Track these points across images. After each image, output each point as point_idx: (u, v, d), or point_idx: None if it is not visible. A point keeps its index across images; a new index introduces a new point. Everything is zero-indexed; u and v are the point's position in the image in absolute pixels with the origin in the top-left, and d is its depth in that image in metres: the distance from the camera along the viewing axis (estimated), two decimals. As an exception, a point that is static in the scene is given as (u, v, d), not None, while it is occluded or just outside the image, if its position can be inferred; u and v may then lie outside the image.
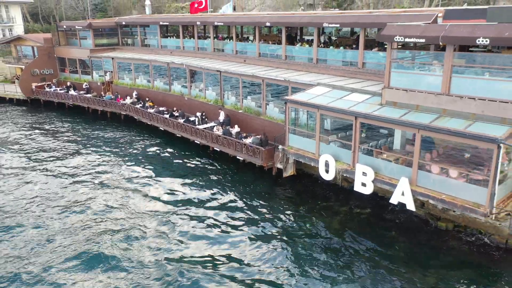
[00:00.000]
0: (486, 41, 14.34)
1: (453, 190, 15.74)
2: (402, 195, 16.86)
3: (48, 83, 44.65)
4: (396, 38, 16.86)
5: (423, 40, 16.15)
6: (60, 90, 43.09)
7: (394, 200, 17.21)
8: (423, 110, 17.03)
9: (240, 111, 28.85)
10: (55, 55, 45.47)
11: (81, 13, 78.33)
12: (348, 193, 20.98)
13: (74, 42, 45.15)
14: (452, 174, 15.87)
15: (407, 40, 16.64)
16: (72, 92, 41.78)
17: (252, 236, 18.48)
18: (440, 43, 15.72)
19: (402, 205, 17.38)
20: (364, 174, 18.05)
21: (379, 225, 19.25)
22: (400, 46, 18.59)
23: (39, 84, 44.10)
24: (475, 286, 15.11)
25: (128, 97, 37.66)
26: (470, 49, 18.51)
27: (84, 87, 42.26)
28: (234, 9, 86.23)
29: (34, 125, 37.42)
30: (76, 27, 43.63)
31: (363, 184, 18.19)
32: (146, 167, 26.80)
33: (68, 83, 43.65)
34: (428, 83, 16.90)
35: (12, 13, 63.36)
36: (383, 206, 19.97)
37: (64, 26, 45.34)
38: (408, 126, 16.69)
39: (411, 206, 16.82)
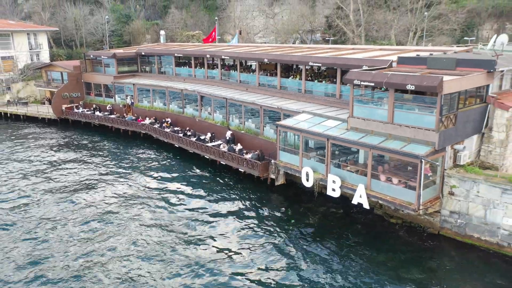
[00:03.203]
0: (412, 87, 20.35)
1: (394, 192, 21.59)
2: (360, 197, 22.69)
3: (76, 104, 51.13)
4: (355, 81, 22.94)
5: (372, 84, 22.19)
6: (87, 111, 49.52)
7: (354, 201, 23.03)
8: (376, 134, 22.94)
9: (242, 131, 34.90)
10: (83, 80, 52.07)
11: (100, 38, 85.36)
12: (325, 198, 26.74)
13: (99, 69, 51.76)
14: (394, 181, 21.76)
15: (362, 83, 22.68)
16: (97, 113, 48.19)
17: (251, 231, 24.39)
18: (384, 87, 21.79)
19: (360, 205, 23.14)
20: (334, 182, 23.93)
21: (347, 221, 25.17)
22: (362, 86, 24.46)
23: (68, 105, 50.58)
24: (414, 262, 20.86)
25: (147, 118, 43.97)
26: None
27: (108, 108, 48.69)
28: (240, 33, 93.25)
29: (67, 141, 43.70)
30: (102, 57, 50.27)
31: (333, 190, 24.06)
32: (163, 177, 32.86)
33: (94, 105, 50.09)
34: (379, 114, 22.88)
35: (40, 40, 70.25)
36: (351, 207, 25.76)
37: (91, 56, 52.08)
38: (363, 146, 22.66)
39: (366, 205, 22.65)
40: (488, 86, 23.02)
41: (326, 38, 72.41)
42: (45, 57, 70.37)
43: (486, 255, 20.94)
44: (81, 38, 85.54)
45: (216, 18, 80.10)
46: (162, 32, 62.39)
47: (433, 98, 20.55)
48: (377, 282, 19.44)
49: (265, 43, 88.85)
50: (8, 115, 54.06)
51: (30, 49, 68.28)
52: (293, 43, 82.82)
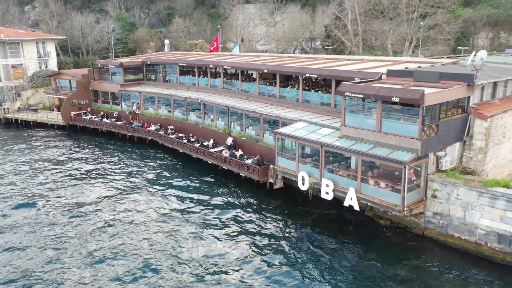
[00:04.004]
0: (397, 99, 22.35)
1: (382, 195, 23.53)
2: (351, 199, 24.64)
3: (84, 111, 53.30)
4: (346, 93, 24.96)
5: (362, 96, 24.20)
6: (94, 118, 51.66)
7: (346, 203, 24.98)
8: (366, 141, 24.91)
9: (243, 138, 36.90)
10: (90, 88, 54.28)
11: (105, 46, 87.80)
12: (320, 200, 28.64)
13: (107, 78, 53.96)
14: (382, 185, 23.71)
15: (353, 95, 24.68)
16: (105, 120, 50.33)
17: (251, 231, 26.37)
18: (372, 99, 23.79)
19: (351, 207, 25.06)
20: (327, 185, 25.89)
21: (340, 222, 27.10)
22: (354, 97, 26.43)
23: (77, 112, 52.75)
24: (401, 260, 22.78)
25: (153, 125, 46.07)
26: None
27: (114, 115, 50.83)
28: (242, 40, 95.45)
29: (76, 146, 45.82)
30: (109, 65, 52.49)
31: (326, 193, 26.02)
32: (168, 180, 34.90)
33: (101, 112, 52.25)
34: (368, 124, 24.87)
35: (48, 48, 72.57)
36: (343, 209, 27.67)
37: (99, 64, 54.33)
38: (354, 152, 24.65)
39: (356, 207, 24.60)
40: (469, 97, 25.00)
41: (326, 47, 74.54)
42: (53, 65, 72.64)
43: (465, 253, 22.83)
44: (87, 46, 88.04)
45: (218, 26, 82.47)
46: (166, 41, 64.69)
47: (416, 109, 22.51)
48: (366, 279, 21.33)
49: (266, 50, 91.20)
50: (19, 121, 56.27)
51: (38, 57, 70.51)
52: (293, 51, 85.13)
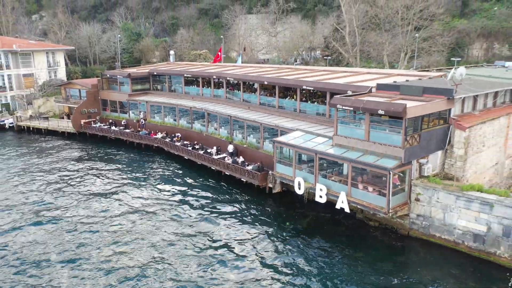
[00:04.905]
0: (382, 112, 24.82)
1: (370, 199, 25.91)
2: (342, 202, 27.04)
3: (93, 119, 55.94)
4: (337, 106, 27.46)
5: (351, 108, 26.69)
6: (103, 125, 54.29)
7: (337, 206, 27.36)
8: (356, 150, 27.33)
9: (244, 145, 39.38)
10: (99, 97, 56.98)
11: (112, 55, 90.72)
12: (314, 204, 30.99)
13: (115, 87, 56.65)
14: (370, 189, 26.12)
15: (344, 108, 27.18)
16: (113, 127, 52.93)
17: (251, 232, 28.78)
18: (361, 111, 26.28)
19: (344, 210, 27.43)
20: (321, 190, 28.29)
21: (333, 223, 29.49)
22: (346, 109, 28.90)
23: (86, 120, 55.40)
24: (387, 258, 25.14)
25: (159, 132, 48.64)
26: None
27: (122, 123, 53.44)
28: (244, 49, 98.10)
29: (86, 153, 48.41)
30: (118, 76, 55.20)
31: (320, 197, 28.42)
32: (174, 185, 37.39)
33: (110, 120, 54.89)
34: (358, 133, 27.34)
35: (57, 58, 75.49)
36: (336, 212, 30.05)
37: (108, 75, 57.08)
38: (344, 159, 27.09)
39: (347, 209, 26.99)
40: (449, 110, 27.43)
41: (325, 57, 77.16)
42: (62, 74, 75.53)
43: (445, 251, 25.15)
44: (95, 55, 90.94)
45: (221, 36, 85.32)
46: (171, 52, 67.44)
47: (401, 121, 24.95)
48: (356, 275, 23.63)
49: (267, 59, 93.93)
50: (31, 128, 59.00)
51: (48, 67, 73.40)
52: (294, 60, 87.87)
